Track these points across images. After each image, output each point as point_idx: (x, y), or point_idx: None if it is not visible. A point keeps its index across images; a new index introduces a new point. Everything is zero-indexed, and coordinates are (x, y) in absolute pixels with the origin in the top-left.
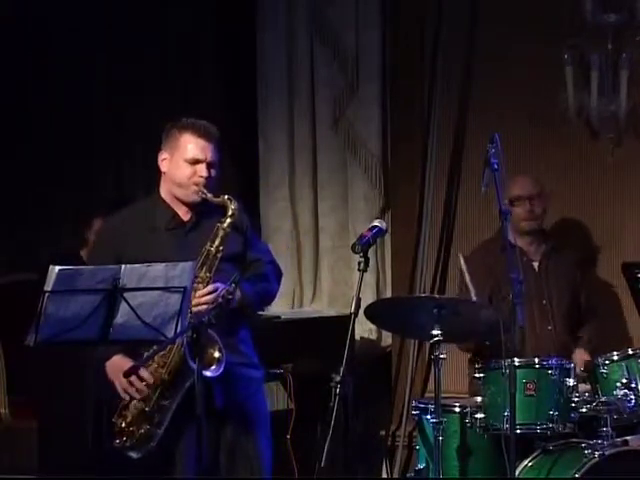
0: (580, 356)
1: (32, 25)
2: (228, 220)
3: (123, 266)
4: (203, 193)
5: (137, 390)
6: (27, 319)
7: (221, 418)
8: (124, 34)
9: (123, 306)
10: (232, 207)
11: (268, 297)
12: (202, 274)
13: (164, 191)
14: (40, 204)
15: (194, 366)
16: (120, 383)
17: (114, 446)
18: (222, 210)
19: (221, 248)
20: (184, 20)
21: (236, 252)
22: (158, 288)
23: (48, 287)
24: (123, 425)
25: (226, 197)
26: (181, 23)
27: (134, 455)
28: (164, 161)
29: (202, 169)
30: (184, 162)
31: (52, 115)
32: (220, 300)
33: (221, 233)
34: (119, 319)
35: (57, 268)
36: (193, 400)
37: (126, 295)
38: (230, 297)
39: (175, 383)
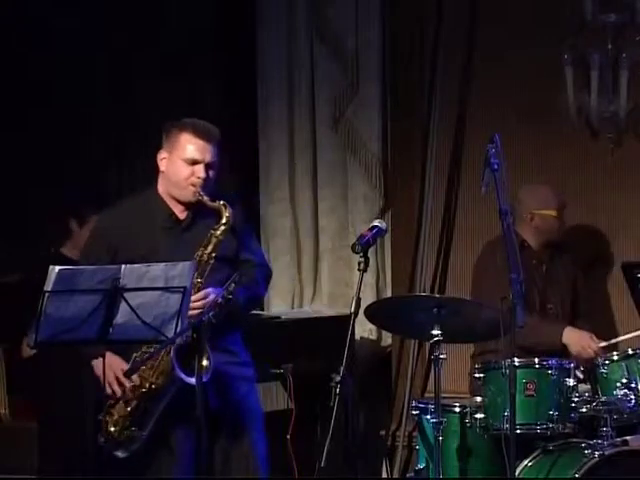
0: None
1: (32, 25)
2: (222, 227)
3: (123, 266)
4: (200, 195)
5: (123, 389)
6: (27, 319)
7: (215, 418)
8: (124, 34)
9: (123, 306)
10: (226, 214)
11: (256, 301)
12: (194, 280)
13: (162, 189)
14: (40, 204)
15: (180, 374)
16: (108, 380)
17: (99, 444)
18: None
19: (213, 255)
20: (184, 19)
21: (229, 254)
22: (158, 288)
23: (48, 287)
24: (109, 424)
25: (221, 203)
26: (181, 23)
27: (120, 454)
28: (163, 160)
29: (200, 170)
30: (182, 162)
31: (51, 115)
32: (220, 300)
33: (214, 240)
34: (119, 319)
35: (57, 268)
36: (186, 403)
37: (126, 295)
38: (230, 297)
39: (161, 387)
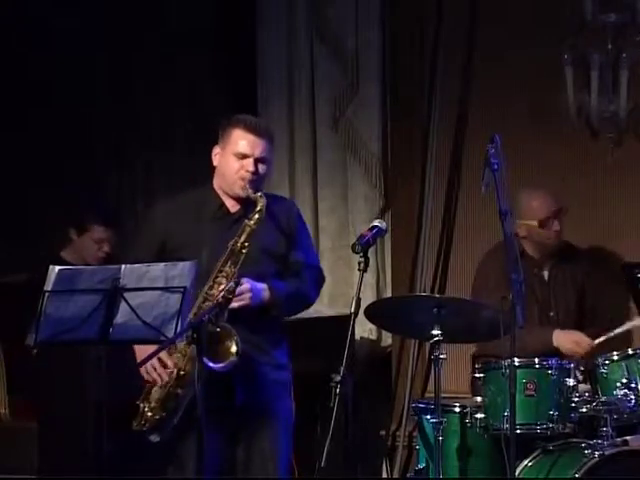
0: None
1: (32, 25)
2: (256, 217)
3: (123, 266)
4: (246, 188)
5: (159, 375)
6: (27, 319)
7: (241, 415)
8: (124, 34)
9: (123, 306)
10: (260, 204)
11: (302, 301)
12: (227, 268)
13: (216, 184)
14: (40, 204)
15: (205, 361)
16: (145, 366)
17: (133, 429)
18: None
19: (246, 244)
20: (184, 19)
21: (272, 248)
22: (158, 288)
23: (48, 287)
24: (146, 409)
25: (259, 194)
26: (181, 22)
27: (153, 439)
28: (217, 155)
29: (249, 164)
30: (232, 156)
31: (51, 115)
32: (220, 300)
33: (247, 229)
34: (119, 319)
35: (57, 268)
36: (209, 396)
37: (126, 295)
38: (230, 297)
39: (190, 374)
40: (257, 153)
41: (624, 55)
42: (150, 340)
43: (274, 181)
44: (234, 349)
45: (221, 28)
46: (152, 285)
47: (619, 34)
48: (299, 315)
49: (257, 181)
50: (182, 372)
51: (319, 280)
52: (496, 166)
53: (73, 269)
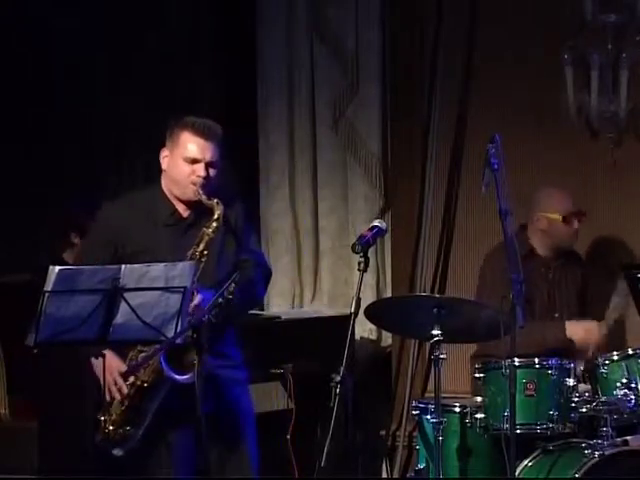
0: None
1: (32, 25)
2: (214, 225)
3: (123, 266)
4: (199, 193)
5: (119, 389)
6: (27, 319)
7: (209, 420)
8: (124, 34)
9: (123, 306)
10: (218, 212)
11: (253, 302)
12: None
13: (165, 187)
14: (40, 204)
15: (169, 372)
16: (107, 381)
17: (96, 443)
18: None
19: (205, 252)
20: (184, 19)
21: (226, 251)
22: (158, 288)
23: (48, 287)
24: (107, 423)
25: (215, 201)
26: (181, 22)
27: (116, 453)
28: (165, 158)
29: (200, 169)
30: (182, 161)
31: (51, 115)
32: (221, 300)
33: (205, 238)
34: (119, 319)
35: (57, 268)
36: (179, 401)
37: (126, 295)
38: (230, 297)
39: (154, 386)
40: (207, 157)
41: (624, 55)
42: (150, 340)
43: (274, 181)
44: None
45: (221, 28)
46: (152, 285)
47: (619, 34)
48: (299, 315)
49: (209, 185)
50: (145, 384)
51: (267, 277)
52: (496, 166)
53: (73, 269)
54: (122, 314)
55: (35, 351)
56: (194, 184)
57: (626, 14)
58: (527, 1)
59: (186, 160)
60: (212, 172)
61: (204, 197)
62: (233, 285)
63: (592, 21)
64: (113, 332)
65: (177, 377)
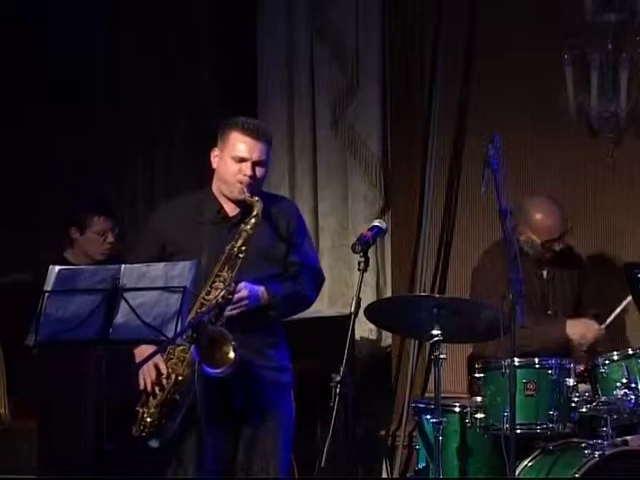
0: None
1: (32, 25)
2: (252, 221)
3: (123, 266)
4: (244, 192)
5: (152, 381)
6: (27, 319)
7: (240, 418)
8: (124, 34)
9: (123, 306)
10: (257, 209)
11: (299, 302)
12: (224, 273)
13: (214, 187)
14: (39, 204)
15: (202, 366)
16: (142, 371)
17: (133, 435)
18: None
19: (243, 248)
20: (184, 20)
21: (271, 251)
22: (158, 288)
23: (48, 287)
24: (145, 415)
25: (255, 198)
26: (181, 23)
27: (153, 444)
28: (215, 158)
29: (247, 167)
30: (231, 159)
31: (51, 115)
32: (220, 300)
33: (244, 234)
34: (119, 319)
35: (57, 268)
36: (209, 399)
37: (126, 295)
38: (230, 297)
39: (190, 380)
40: (255, 156)
41: (624, 55)
42: (150, 340)
43: (274, 181)
44: (232, 355)
45: (221, 28)
46: (152, 285)
47: (619, 34)
48: (299, 315)
49: (255, 185)
50: (180, 377)
51: (318, 281)
52: (496, 166)
53: (73, 269)
54: (122, 314)
55: (35, 351)
56: (240, 182)
57: (626, 14)
58: (527, 1)
59: (234, 159)
60: (259, 172)
61: (247, 195)
62: (233, 285)
63: (592, 21)
64: (113, 332)
65: (210, 370)
